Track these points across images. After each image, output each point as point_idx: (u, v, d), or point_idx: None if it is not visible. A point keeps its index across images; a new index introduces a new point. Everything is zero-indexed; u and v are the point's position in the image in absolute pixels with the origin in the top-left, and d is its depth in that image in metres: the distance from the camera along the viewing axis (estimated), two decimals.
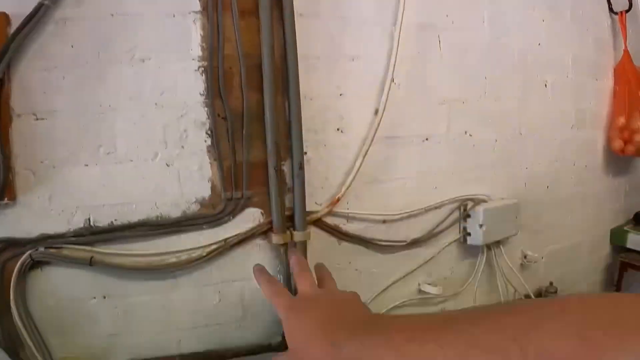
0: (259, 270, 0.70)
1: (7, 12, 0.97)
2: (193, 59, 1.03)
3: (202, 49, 1.03)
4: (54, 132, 0.98)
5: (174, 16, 1.02)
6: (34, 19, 0.96)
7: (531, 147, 1.51)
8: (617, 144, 1.83)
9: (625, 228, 1.98)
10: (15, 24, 0.95)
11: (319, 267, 0.79)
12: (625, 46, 1.89)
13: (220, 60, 1.03)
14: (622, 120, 1.84)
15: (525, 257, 1.54)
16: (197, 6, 1.03)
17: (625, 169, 2.00)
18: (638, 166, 2.07)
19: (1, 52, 0.94)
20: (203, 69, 1.03)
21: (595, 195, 1.84)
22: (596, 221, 1.88)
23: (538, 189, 1.55)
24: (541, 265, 1.63)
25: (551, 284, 1.61)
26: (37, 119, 0.98)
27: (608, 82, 1.86)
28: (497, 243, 1.41)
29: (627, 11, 1.91)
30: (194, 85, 1.03)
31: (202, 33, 1.03)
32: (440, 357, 0.36)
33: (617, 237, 1.97)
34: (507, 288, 1.51)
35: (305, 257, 1.09)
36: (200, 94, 1.03)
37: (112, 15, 1.00)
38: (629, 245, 1.94)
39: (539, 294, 1.60)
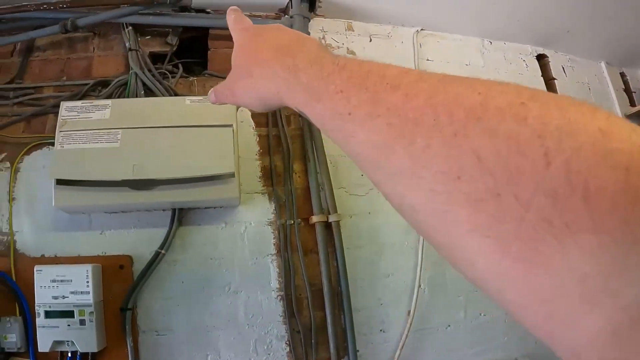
0: (235, 9, 0.57)
1: (131, 255, 1.39)
2: (273, 290, 1.41)
3: (279, 282, 1.42)
4: (172, 344, 1.37)
5: (256, 259, 1.43)
6: (154, 264, 1.37)
7: None
8: None
9: None
10: (137, 263, 1.37)
11: None
12: None
13: (292, 289, 1.41)
14: None
15: None
16: (273, 250, 1.43)
17: None
18: None
19: (132, 288, 1.36)
20: (280, 296, 1.41)
21: None
22: None
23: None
24: None
25: None
26: (158, 335, 1.37)
27: None
28: None
29: None
30: (274, 309, 1.41)
31: (277, 270, 1.42)
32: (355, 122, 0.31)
33: None
34: None
35: None
36: (280, 315, 1.41)
37: (211, 259, 1.41)
38: None
39: None
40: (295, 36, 0.46)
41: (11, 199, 1.47)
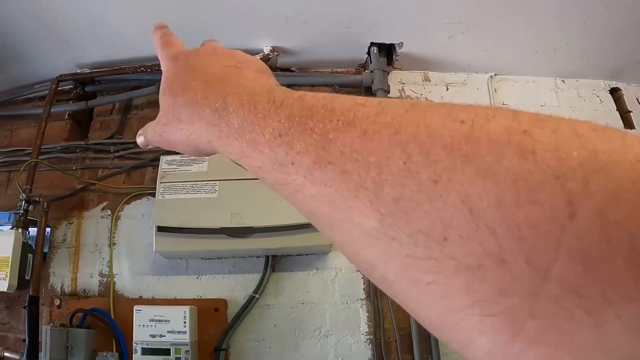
0: (160, 26, 0.48)
1: (225, 299, 1.46)
2: (362, 334, 1.45)
3: (368, 326, 1.45)
4: None
5: (346, 303, 1.46)
6: (248, 307, 1.43)
7: None
8: None
9: None
10: (231, 306, 1.43)
11: None
12: None
13: (381, 333, 1.44)
14: None
15: None
16: (363, 295, 1.47)
17: None
18: None
19: (226, 330, 1.42)
20: (370, 340, 1.44)
21: None
22: None
23: None
24: None
25: None
26: None
27: None
28: None
29: None
30: (364, 352, 1.44)
31: (367, 314, 1.45)
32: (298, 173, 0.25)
33: None
34: None
35: None
36: (369, 358, 1.44)
37: (302, 303, 1.46)
38: None
39: None
40: (232, 61, 0.38)
41: (112, 244, 1.59)
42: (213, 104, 0.33)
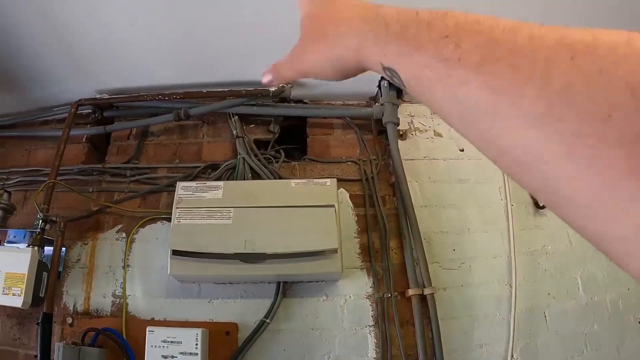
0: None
1: (237, 323, 1.49)
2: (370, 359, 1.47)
3: (376, 352, 1.47)
4: None
5: (355, 329, 1.49)
6: (259, 332, 1.46)
7: None
8: None
9: None
10: (242, 330, 1.47)
11: None
12: None
13: (389, 359, 1.46)
14: None
15: None
16: (371, 321, 1.50)
17: None
18: None
19: (236, 353, 1.45)
20: None
21: None
22: None
23: None
24: None
25: None
26: None
27: None
28: None
29: None
30: None
31: (375, 341, 1.48)
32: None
33: None
34: None
35: None
36: None
37: (312, 329, 1.49)
38: None
39: None
40: None
41: (126, 266, 1.63)
42: (366, 15, 0.36)
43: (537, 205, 1.77)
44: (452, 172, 1.80)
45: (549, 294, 1.67)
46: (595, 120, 0.22)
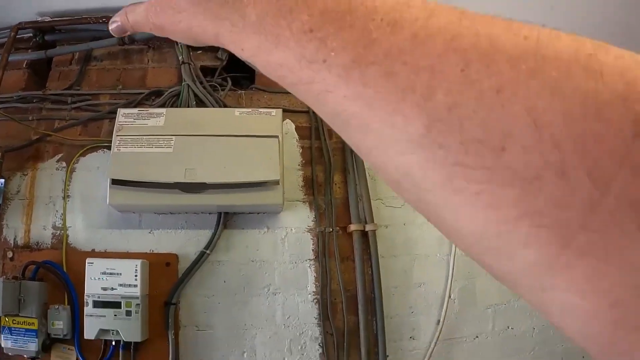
0: None
1: (177, 254, 1.47)
2: (309, 293, 1.48)
3: (316, 285, 1.48)
4: (210, 340, 1.45)
5: (295, 263, 1.50)
6: (198, 263, 1.45)
7: None
8: None
9: None
10: (182, 261, 1.45)
11: None
12: None
13: (328, 293, 1.48)
14: None
15: None
16: (311, 255, 1.50)
17: None
18: None
19: (176, 284, 1.44)
20: (316, 300, 1.48)
21: None
22: None
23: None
24: None
25: None
26: (198, 330, 1.45)
27: None
28: None
29: None
30: (310, 311, 1.47)
31: (315, 275, 1.49)
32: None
33: None
34: None
35: None
36: (315, 318, 1.47)
37: (252, 261, 1.48)
38: None
39: None
40: None
41: (66, 197, 1.57)
42: None
43: None
44: None
45: None
46: (484, 152, 0.18)
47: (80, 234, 1.54)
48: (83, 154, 1.62)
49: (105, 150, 1.60)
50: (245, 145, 1.42)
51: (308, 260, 1.50)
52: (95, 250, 1.52)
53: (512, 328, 1.71)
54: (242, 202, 1.40)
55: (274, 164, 1.39)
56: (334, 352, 1.47)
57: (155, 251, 1.50)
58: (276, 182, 1.38)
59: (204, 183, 1.38)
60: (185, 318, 1.46)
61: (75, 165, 1.61)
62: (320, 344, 1.47)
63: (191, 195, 1.40)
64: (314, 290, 1.48)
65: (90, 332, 1.38)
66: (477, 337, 1.64)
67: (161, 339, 1.43)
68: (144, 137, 1.45)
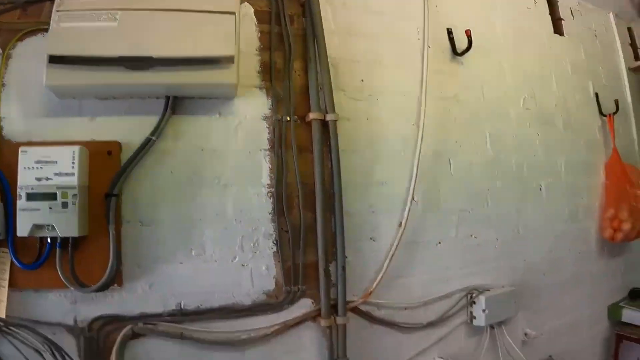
0: None
1: (120, 142, 1.35)
2: (264, 186, 1.39)
3: (270, 178, 1.39)
4: (155, 236, 1.34)
5: (249, 152, 1.40)
6: (143, 150, 1.34)
7: (529, 242, 1.81)
8: (608, 232, 2.11)
9: (621, 304, 2.22)
10: (125, 150, 1.34)
11: None
12: (614, 145, 2.19)
13: (284, 186, 1.39)
14: (611, 211, 2.13)
15: (525, 334, 1.81)
16: (267, 145, 1.41)
17: (621, 252, 2.25)
18: (633, 249, 2.31)
19: (119, 173, 1.32)
20: (271, 193, 1.39)
21: (592, 276, 2.10)
22: (593, 299, 2.13)
23: (536, 276, 1.84)
24: (542, 340, 1.89)
25: (550, 357, 1.87)
26: (142, 225, 1.34)
27: (599, 178, 2.16)
28: (500, 323, 1.70)
29: (614, 113, 2.23)
30: (264, 205, 1.38)
31: (270, 166, 1.39)
32: None
33: (613, 313, 2.21)
34: None
35: (345, 337, 1.40)
36: (269, 213, 1.38)
37: (202, 149, 1.37)
38: (624, 319, 2.17)
39: None
40: None
41: (1, 85, 1.43)
42: None
43: (455, 52, 1.70)
44: (369, 2, 1.66)
45: (456, 141, 1.64)
46: None
47: (15, 124, 1.39)
48: (21, 39, 1.46)
49: (45, 33, 1.45)
50: (198, 20, 1.29)
51: (263, 151, 1.40)
52: (32, 141, 1.38)
53: (475, 237, 1.66)
54: (193, 81, 1.28)
55: (229, 40, 1.27)
56: (288, 250, 1.39)
57: (97, 139, 1.37)
58: (230, 59, 1.27)
59: (151, 57, 1.25)
60: (128, 212, 1.34)
61: (11, 52, 1.45)
62: (274, 241, 1.38)
63: (137, 72, 1.27)
64: (269, 183, 1.38)
65: (23, 228, 1.24)
66: (439, 242, 1.59)
67: (102, 236, 1.31)
68: (87, 11, 1.30)
